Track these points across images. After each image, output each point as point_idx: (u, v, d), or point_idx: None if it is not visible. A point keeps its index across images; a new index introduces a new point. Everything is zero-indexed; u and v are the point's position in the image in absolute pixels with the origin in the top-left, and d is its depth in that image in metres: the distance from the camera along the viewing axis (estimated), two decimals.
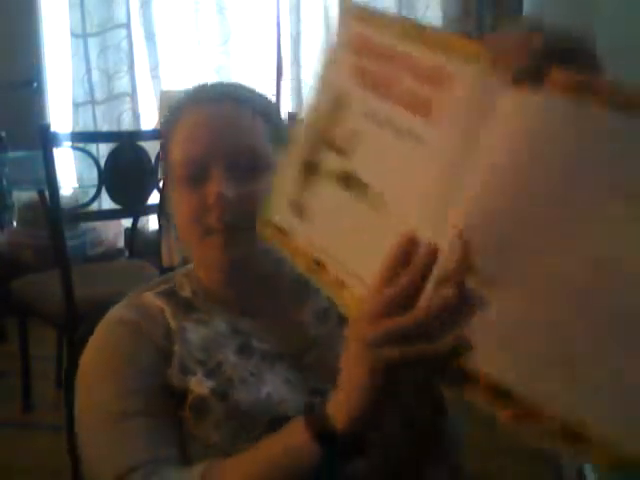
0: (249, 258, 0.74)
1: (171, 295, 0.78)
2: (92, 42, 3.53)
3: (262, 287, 0.78)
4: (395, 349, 0.50)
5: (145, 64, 3.53)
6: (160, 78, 3.51)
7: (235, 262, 0.73)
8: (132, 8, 3.47)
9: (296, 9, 3.31)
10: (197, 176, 0.73)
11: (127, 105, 3.56)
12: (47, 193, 1.88)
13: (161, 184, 1.84)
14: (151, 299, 0.77)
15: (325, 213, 0.59)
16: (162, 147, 0.80)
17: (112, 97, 3.56)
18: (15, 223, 3.29)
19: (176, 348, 0.72)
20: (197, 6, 3.44)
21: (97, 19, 3.50)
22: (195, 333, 0.73)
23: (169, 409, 0.70)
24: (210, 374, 0.70)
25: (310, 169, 0.60)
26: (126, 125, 3.55)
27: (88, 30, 3.51)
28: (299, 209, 0.60)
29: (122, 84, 3.56)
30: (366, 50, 0.58)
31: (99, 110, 3.57)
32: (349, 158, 0.57)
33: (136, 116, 3.55)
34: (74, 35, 3.53)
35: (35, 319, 2.16)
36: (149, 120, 3.52)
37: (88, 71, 3.55)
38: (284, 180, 0.62)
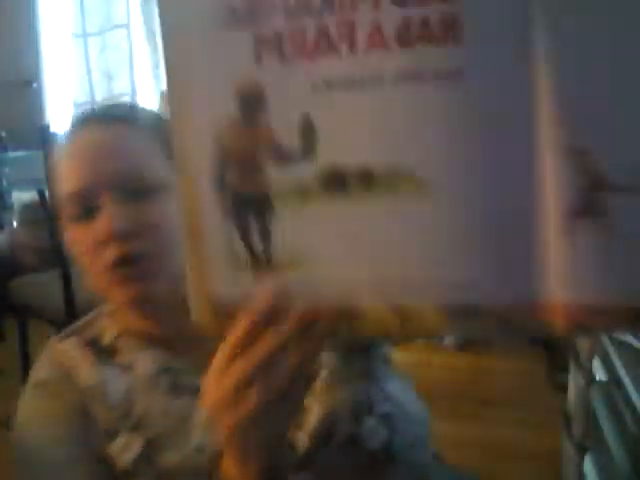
0: (160, 289, 0.65)
1: (93, 344, 0.71)
2: (92, 42, 3.54)
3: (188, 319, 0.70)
4: (258, 420, 0.44)
5: (145, 64, 3.54)
6: (160, 78, 3.52)
7: (145, 297, 0.65)
8: (132, 8, 3.48)
9: None
10: (86, 211, 0.65)
11: None
12: (47, 193, 1.88)
13: None
14: (69, 352, 0.70)
15: (325, 241, 0.42)
16: (51, 181, 0.72)
17: (112, 97, 3.57)
18: (15, 223, 3.29)
19: (95, 410, 0.66)
20: None
21: (97, 19, 3.51)
22: (117, 383, 0.67)
23: (102, 475, 0.63)
24: (135, 428, 0.64)
25: (260, 202, 0.42)
26: None
27: (88, 30, 3.52)
28: (262, 261, 0.43)
29: (122, 84, 3.56)
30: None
31: None
32: (320, 155, 0.41)
33: None
34: (74, 35, 3.54)
35: (35, 319, 2.16)
36: None
37: (88, 71, 3.56)
38: (214, 239, 0.44)
